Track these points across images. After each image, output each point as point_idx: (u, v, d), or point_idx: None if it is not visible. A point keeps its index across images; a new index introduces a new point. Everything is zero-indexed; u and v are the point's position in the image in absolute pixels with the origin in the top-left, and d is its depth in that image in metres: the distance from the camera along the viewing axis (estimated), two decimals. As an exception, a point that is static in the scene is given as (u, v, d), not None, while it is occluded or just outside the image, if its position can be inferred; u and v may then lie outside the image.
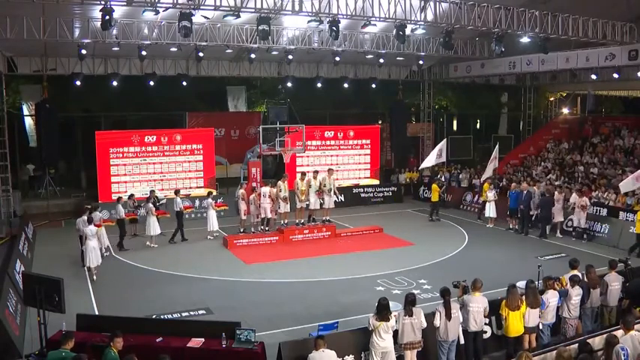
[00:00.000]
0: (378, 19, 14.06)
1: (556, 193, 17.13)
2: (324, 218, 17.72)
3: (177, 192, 17.20)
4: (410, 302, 7.91)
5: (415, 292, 11.10)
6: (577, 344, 7.12)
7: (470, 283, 8.55)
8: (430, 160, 21.29)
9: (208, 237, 17.04)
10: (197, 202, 19.68)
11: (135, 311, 10.43)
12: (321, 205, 17.66)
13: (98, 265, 13.05)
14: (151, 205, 15.87)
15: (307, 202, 17.28)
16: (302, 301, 11.47)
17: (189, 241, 16.71)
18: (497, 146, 20.87)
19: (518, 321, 8.40)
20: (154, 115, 24.49)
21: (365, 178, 23.71)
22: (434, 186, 20.17)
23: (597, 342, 7.23)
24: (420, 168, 23.10)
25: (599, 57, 18.76)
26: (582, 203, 16.43)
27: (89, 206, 15.07)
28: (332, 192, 17.36)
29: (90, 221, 13.36)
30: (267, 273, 13.54)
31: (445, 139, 21.96)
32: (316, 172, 18.00)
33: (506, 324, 8.50)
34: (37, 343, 8.19)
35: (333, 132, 23.10)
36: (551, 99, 31.37)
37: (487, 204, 18.74)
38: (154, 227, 15.77)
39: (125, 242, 15.83)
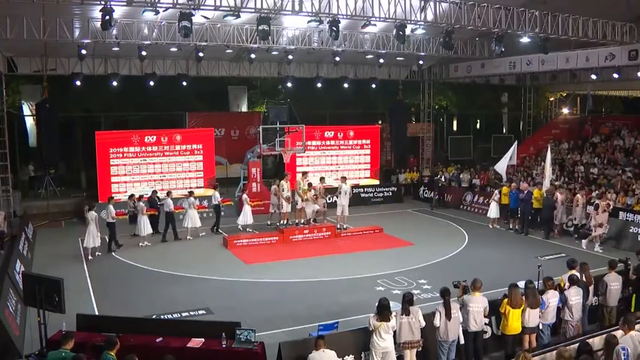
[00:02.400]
0: (378, 19, 14.05)
1: (599, 202, 15.70)
2: (339, 225, 17.81)
3: (215, 187, 18.50)
4: (407, 301, 7.91)
5: (415, 292, 11.15)
6: (577, 344, 7.12)
7: (470, 283, 8.55)
8: (503, 164, 19.19)
9: (240, 228, 17.69)
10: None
11: (135, 311, 10.43)
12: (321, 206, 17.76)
13: (95, 246, 14.63)
14: (192, 199, 17.11)
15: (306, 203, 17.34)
16: (302, 301, 11.47)
17: (190, 242, 16.76)
18: (549, 150, 18.75)
19: (518, 319, 8.40)
20: (154, 115, 24.48)
21: (365, 178, 23.71)
22: (504, 189, 18.54)
23: (597, 342, 7.23)
24: (499, 176, 20.11)
25: (599, 57, 18.75)
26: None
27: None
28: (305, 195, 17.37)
29: (92, 207, 15.05)
30: (267, 273, 13.54)
31: (515, 142, 19.92)
32: (310, 184, 17.85)
33: (505, 322, 8.51)
34: (37, 343, 8.19)
35: (333, 132, 23.10)
36: (551, 99, 31.38)
37: (492, 204, 18.67)
38: (193, 220, 16.88)
39: (124, 241, 15.95)
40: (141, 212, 16.22)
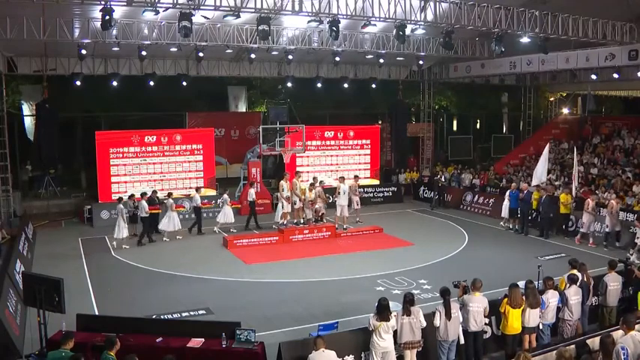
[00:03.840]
0: (378, 19, 14.05)
1: None
2: (338, 225, 17.81)
3: (251, 184, 19.14)
4: (408, 302, 7.91)
5: (415, 292, 11.13)
6: (575, 345, 7.13)
7: (470, 283, 8.56)
8: (541, 172, 18.02)
9: (273, 226, 18.04)
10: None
11: (135, 311, 10.43)
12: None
13: (122, 237, 15.62)
14: (226, 196, 17.90)
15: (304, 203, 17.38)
16: (302, 301, 11.47)
17: (189, 241, 16.80)
18: (575, 155, 17.88)
19: (518, 319, 8.41)
20: (154, 115, 24.45)
21: (365, 178, 23.69)
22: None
23: (597, 342, 7.23)
24: (533, 184, 18.26)
25: (599, 57, 18.75)
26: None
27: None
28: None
29: (120, 201, 16.25)
30: (267, 273, 13.54)
31: (548, 145, 18.98)
32: (312, 184, 17.87)
33: (505, 322, 8.51)
34: (37, 343, 8.20)
35: (333, 132, 23.09)
36: (551, 99, 31.38)
37: (505, 203, 18.52)
38: (228, 216, 17.63)
39: (124, 241, 15.95)
40: (170, 208, 16.84)
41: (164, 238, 16.89)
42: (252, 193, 18.28)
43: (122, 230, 15.54)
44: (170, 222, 16.76)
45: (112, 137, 19.77)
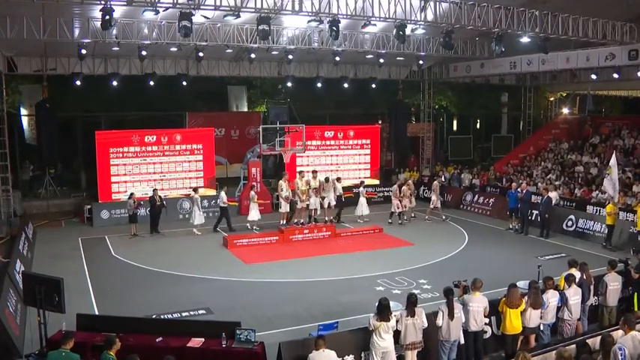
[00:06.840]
0: (378, 19, 14.04)
1: None
2: (325, 218, 17.77)
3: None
4: (412, 303, 7.91)
5: (415, 292, 11.10)
6: (575, 344, 7.13)
7: (470, 283, 8.56)
8: (615, 185, 15.99)
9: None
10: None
11: (135, 311, 10.42)
12: (321, 205, 17.79)
13: (199, 223, 17.32)
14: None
15: (307, 202, 17.34)
16: (302, 301, 11.47)
17: (189, 241, 16.79)
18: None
19: (517, 319, 8.41)
20: (154, 115, 24.44)
21: (365, 178, 23.65)
22: (609, 206, 15.55)
23: (597, 342, 7.23)
24: (616, 201, 16.19)
25: (599, 57, 18.75)
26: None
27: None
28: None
29: (196, 191, 17.78)
30: (266, 273, 13.54)
31: (614, 155, 16.52)
32: (315, 171, 18.05)
33: (504, 322, 8.52)
34: (37, 343, 8.20)
35: (333, 132, 23.07)
36: (551, 99, 31.37)
37: None
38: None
39: (124, 241, 15.94)
40: (252, 200, 17.80)
41: (254, 227, 17.81)
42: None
43: (199, 217, 17.14)
44: (252, 213, 17.68)
45: (112, 137, 19.75)
